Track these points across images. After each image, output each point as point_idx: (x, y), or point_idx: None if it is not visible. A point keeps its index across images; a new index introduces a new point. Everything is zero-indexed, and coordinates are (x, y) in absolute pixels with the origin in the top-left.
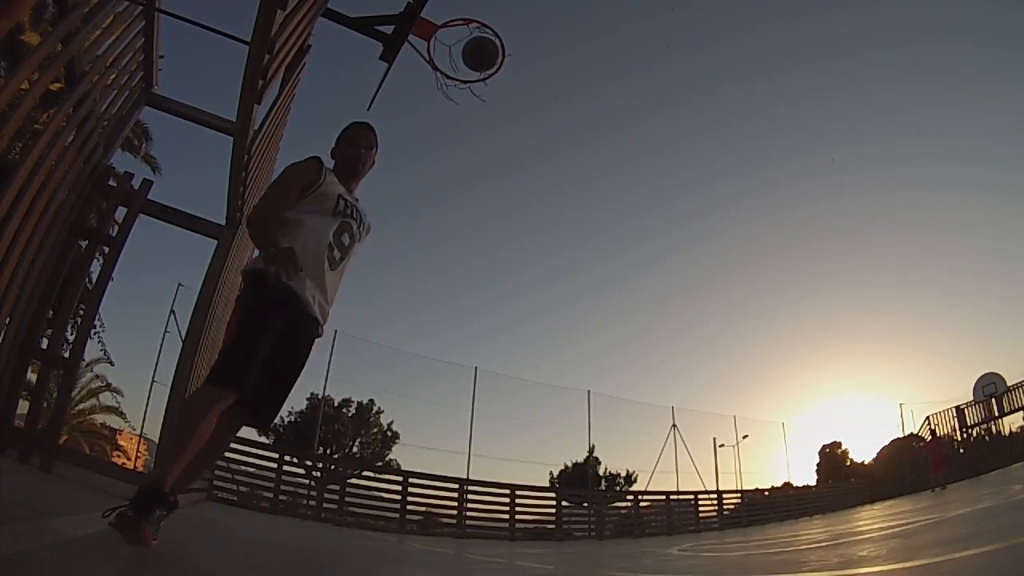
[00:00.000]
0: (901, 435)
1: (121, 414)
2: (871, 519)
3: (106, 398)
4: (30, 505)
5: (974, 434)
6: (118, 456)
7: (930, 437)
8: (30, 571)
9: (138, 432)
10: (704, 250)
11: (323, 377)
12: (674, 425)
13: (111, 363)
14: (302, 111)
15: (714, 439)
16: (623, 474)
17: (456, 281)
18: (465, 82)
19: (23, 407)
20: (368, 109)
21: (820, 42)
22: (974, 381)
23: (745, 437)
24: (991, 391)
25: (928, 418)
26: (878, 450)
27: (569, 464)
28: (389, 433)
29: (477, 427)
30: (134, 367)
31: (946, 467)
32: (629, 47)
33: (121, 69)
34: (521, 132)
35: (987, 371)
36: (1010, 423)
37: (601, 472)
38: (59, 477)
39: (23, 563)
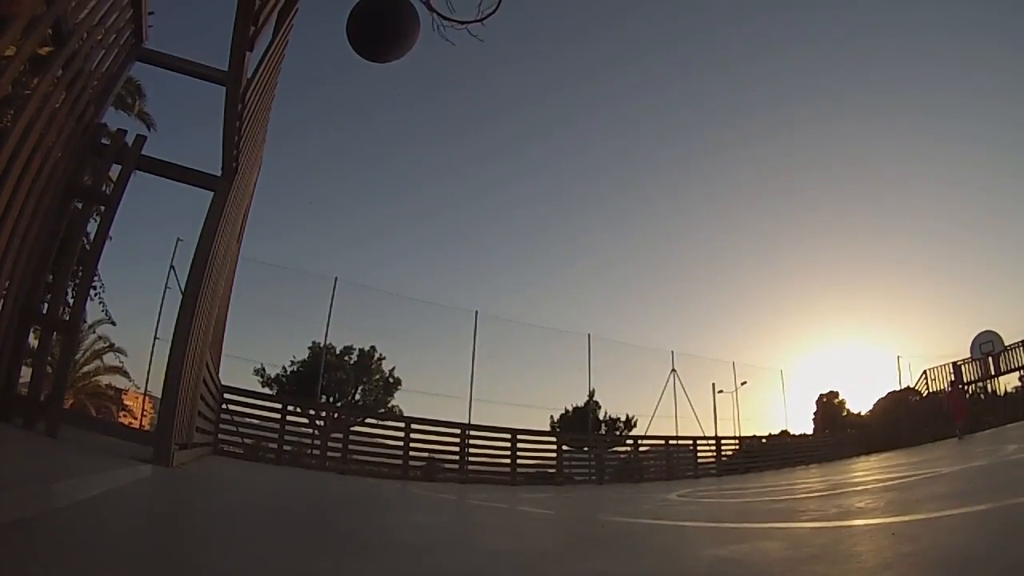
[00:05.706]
0: (898, 387)
1: (125, 374)
2: (867, 470)
3: (110, 359)
4: (36, 470)
5: (969, 391)
6: (124, 416)
7: (951, 387)
8: (38, 534)
9: (143, 391)
10: (707, 192)
11: (324, 325)
12: (673, 370)
13: (113, 323)
14: (297, 58)
15: (713, 385)
16: (623, 418)
17: (456, 223)
18: (463, 23)
19: (26, 373)
20: None
21: None
22: (972, 337)
23: (744, 384)
24: (988, 349)
25: (925, 372)
26: (874, 402)
27: (570, 408)
28: (391, 380)
29: (478, 371)
30: (136, 325)
31: (968, 416)
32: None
33: (109, 26)
34: (526, 69)
35: (985, 328)
36: (1005, 383)
37: (601, 416)
38: (65, 441)
39: (31, 527)
